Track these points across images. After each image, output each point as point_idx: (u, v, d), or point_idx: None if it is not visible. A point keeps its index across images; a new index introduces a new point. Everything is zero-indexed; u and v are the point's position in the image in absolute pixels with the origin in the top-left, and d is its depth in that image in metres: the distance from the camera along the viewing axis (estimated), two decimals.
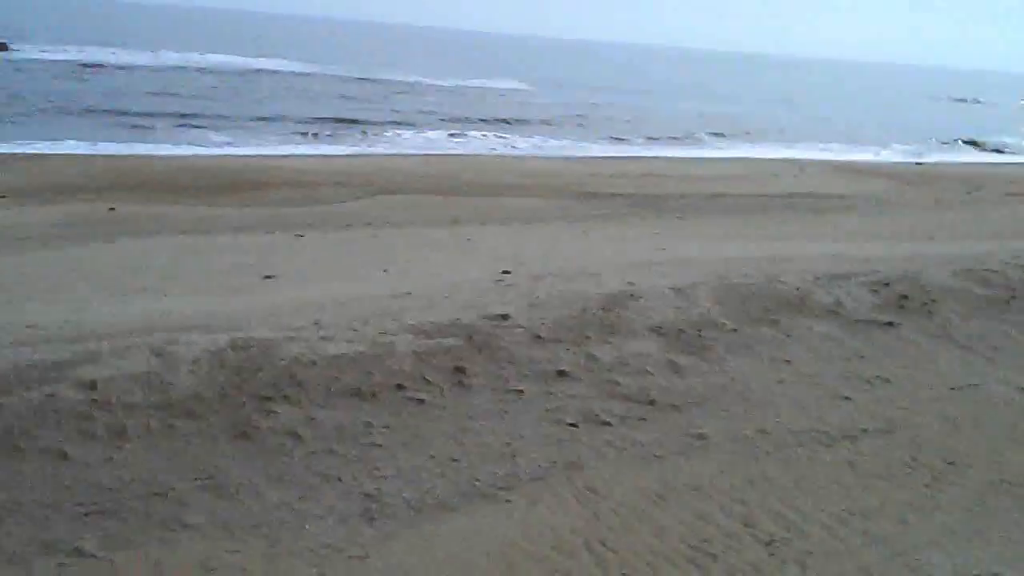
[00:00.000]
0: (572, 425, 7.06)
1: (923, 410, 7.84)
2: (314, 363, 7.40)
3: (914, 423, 7.59)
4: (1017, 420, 7.82)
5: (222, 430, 6.61)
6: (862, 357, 8.81)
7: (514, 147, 35.80)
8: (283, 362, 7.37)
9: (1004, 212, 21.83)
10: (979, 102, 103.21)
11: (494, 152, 33.42)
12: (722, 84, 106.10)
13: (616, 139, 40.46)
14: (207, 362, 7.34)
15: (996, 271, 11.21)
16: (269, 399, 6.98)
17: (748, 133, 47.04)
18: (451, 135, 37.06)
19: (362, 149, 31.76)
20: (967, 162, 39.55)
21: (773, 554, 5.63)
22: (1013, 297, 10.67)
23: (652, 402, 7.48)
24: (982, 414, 7.88)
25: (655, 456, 6.76)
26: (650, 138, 41.44)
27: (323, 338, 7.81)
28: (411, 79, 66.72)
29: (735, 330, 8.95)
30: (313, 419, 6.80)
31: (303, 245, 14.05)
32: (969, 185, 28.09)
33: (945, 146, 45.83)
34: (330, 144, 32.81)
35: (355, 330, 8.04)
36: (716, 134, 44.65)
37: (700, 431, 7.14)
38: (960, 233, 17.35)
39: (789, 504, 6.25)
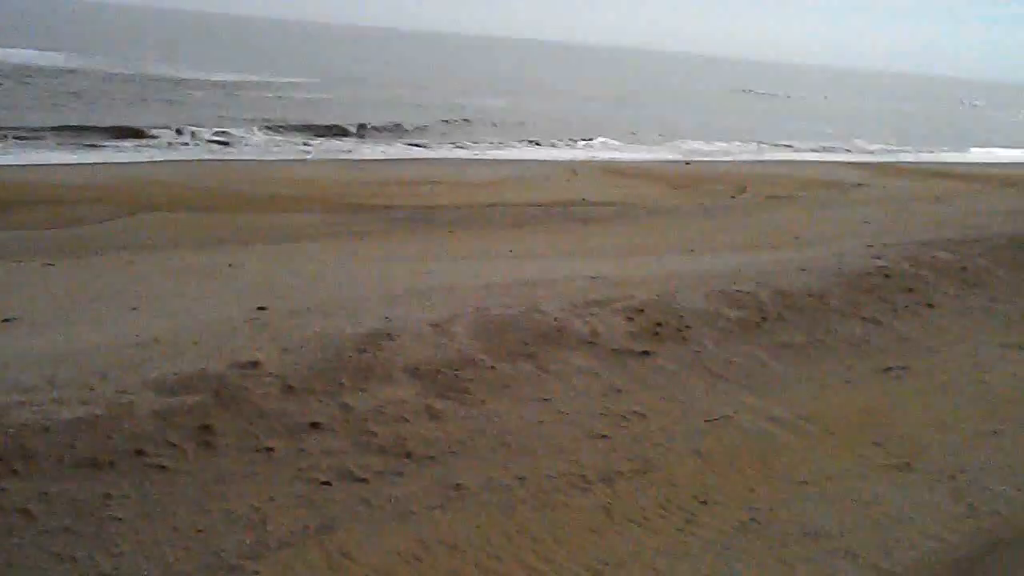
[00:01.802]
0: (325, 483, 6.87)
1: (677, 447, 8.03)
2: (46, 429, 6.93)
3: (668, 461, 7.75)
4: (767, 453, 8.10)
5: None
6: (619, 391, 8.94)
7: (287, 150, 34.95)
8: (11, 431, 6.87)
9: (763, 217, 22.75)
10: (775, 95, 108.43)
11: (267, 159, 32.46)
12: (507, 74, 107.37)
13: (395, 138, 40.17)
14: None
15: (748, 292, 11.61)
16: None
17: (522, 124, 47.74)
18: (219, 139, 35.76)
19: (128, 156, 30.33)
20: (737, 160, 41.11)
21: None
22: (764, 319, 11.07)
23: (409, 454, 7.36)
24: (734, 448, 8.13)
25: (411, 512, 6.66)
26: (427, 135, 41.49)
27: (56, 400, 7.33)
28: (184, 75, 64.35)
29: (493, 367, 8.91)
30: (45, 493, 6.36)
31: (51, 277, 13.24)
32: (734, 188, 29.18)
33: (725, 145, 47.25)
34: (93, 151, 31.14)
35: (92, 388, 7.58)
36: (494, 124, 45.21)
37: (458, 482, 7.08)
38: (719, 243, 17.97)
39: (544, 556, 6.26)
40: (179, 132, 35.81)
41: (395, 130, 42.09)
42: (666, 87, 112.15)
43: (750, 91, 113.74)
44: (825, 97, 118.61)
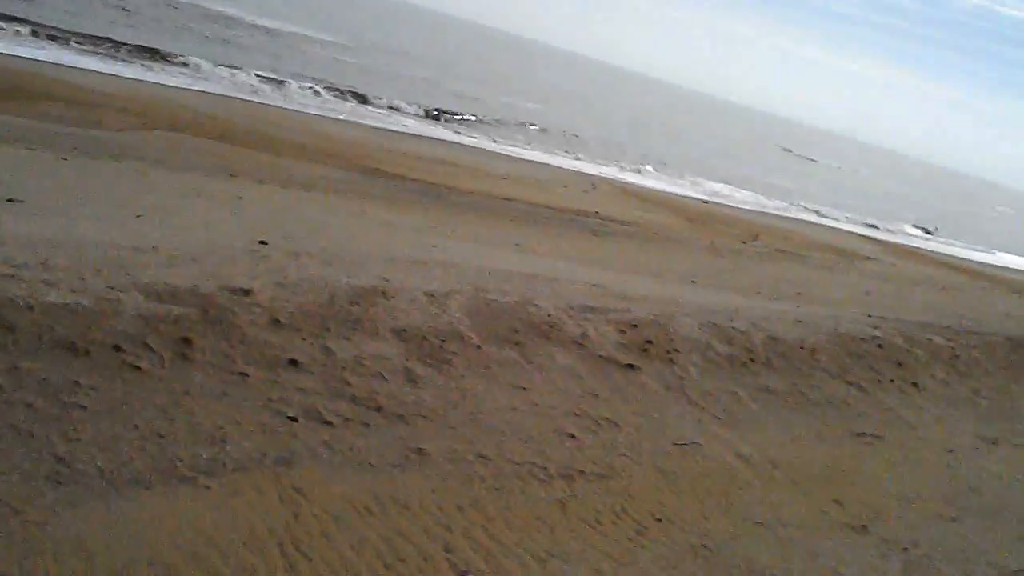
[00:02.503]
0: (292, 419, 6.86)
1: (644, 461, 8.02)
2: (30, 308, 6.91)
3: (631, 473, 7.75)
4: (729, 486, 8.10)
5: None
6: (596, 396, 8.94)
7: (320, 106, 35.05)
8: None
9: (769, 267, 22.74)
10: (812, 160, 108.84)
11: (297, 109, 32.52)
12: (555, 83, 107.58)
13: (424, 116, 40.23)
14: None
15: (742, 331, 11.61)
16: None
17: (546, 131, 47.81)
18: (255, 82, 35.84)
19: (157, 76, 30.39)
20: (754, 210, 41.17)
21: None
22: (752, 360, 11.07)
23: (379, 408, 7.36)
24: (698, 475, 8.13)
25: (370, 465, 6.66)
26: (459, 121, 41.49)
27: (46, 282, 7.31)
28: (229, 11, 64.42)
29: (479, 347, 8.91)
30: (16, 368, 6.36)
31: (63, 171, 13.24)
32: (747, 234, 29.21)
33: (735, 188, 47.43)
34: (125, 64, 31.22)
35: (83, 279, 7.56)
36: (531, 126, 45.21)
37: (421, 446, 7.07)
38: (723, 282, 17.95)
39: (493, 536, 6.26)
40: (218, 66, 35.80)
41: (425, 113, 42.06)
42: (707, 129, 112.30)
43: (790, 151, 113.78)
44: (856, 171, 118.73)
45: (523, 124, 48.36)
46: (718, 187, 46.15)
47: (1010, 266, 49.32)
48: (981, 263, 45.51)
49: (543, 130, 48.61)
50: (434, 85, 56.07)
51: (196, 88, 30.10)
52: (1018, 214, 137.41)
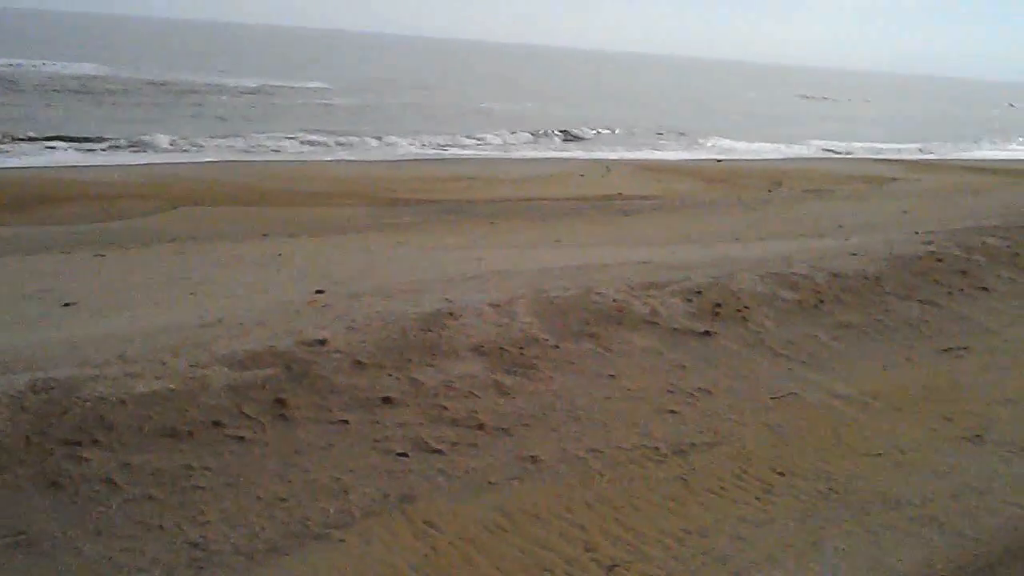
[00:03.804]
0: (402, 455, 6.86)
1: (747, 421, 7.99)
2: (123, 402, 6.94)
3: (739, 435, 7.71)
4: (837, 427, 8.05)
5: (30, 481, 6.13)
6: (683, 368, 8.91)
7: (318, 151, 35.15)
8: (89, 403, 6.89)
9: (803, 210, 22.71)
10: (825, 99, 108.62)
11: (299, 158, 32.68)
12: (529, 80, 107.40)
13: (420, 139, 40.20)
14: (7, 407, 6.79)
15: (804, 275, 11.55)
16: (78, 444, 6.50)
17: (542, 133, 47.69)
18: (253, 141, 36.01)
19: (162, 158, 30.55)
20: (766, 159, 41.02)
21: None
22: (821, 302, 11.01)
23: (481, 426, 7.35)
24: (804, 422, 8.08)
25: (489, 483, 6.64)
26: (454, 136, 41.45)
27: (130, 374, 7.34)
28: (209, 80, 64.88)
29: (557, 346, 8.90)
30: (127, 464, 6.38)
31: (103, 266, 13.34)
32: (770, 183, 29.13)
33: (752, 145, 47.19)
34: (128, 152, 31.43)
35: (164, 364, 7.59)
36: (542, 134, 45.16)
37: (532, 454, 7.05)
38: (765, 233, 17.92)
39: (627, 526, 6.24)
40: (211, 137, 35.98)
41: (415, 133, 41.99)
42: (727, 94, 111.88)
43: (808, 97, 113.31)
44: (867, 100, 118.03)
45: (513, 120, 48.28)
46: (735, 145, 45.97)
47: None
48: (1006, 160, 45.18)
49: (542, 131, 48.35)
50: (413, 105, 56.14)
51: (201, 160, 30.23)
52: None
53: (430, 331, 8.75)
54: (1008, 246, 14.38)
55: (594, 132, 48.04)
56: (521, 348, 8.73)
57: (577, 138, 44.99)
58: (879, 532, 6.35)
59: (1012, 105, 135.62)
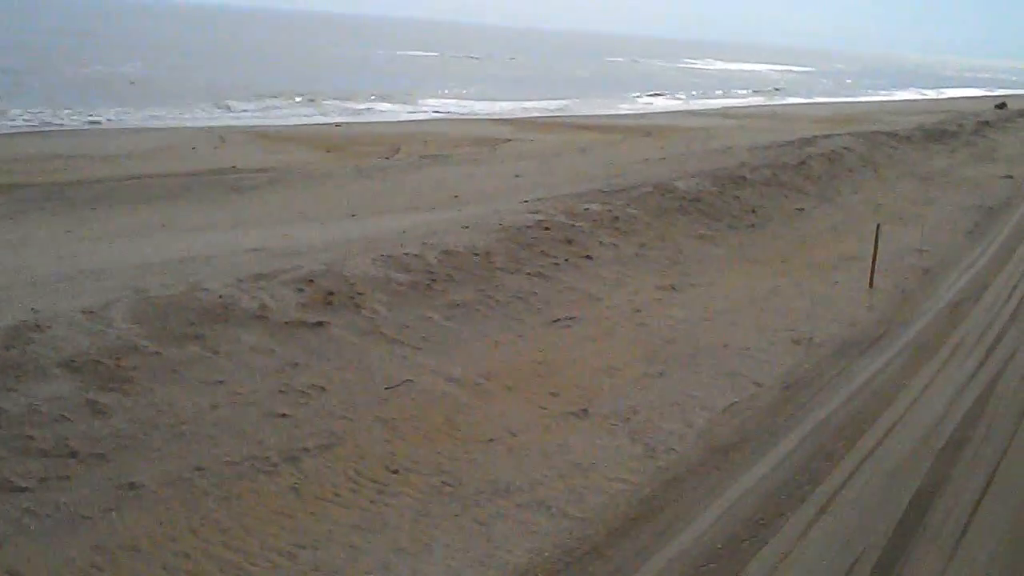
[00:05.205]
0: None
1: (362, 416, 7.86)
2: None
3: (354, 433, 7.58)
4: (451, 414, 8.10)
5: None
6: (296, 365, 8.63)
7: None
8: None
9: (420, 177, 22.79)
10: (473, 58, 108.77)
11: None
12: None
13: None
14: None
15: (416, 254, 11.52)
16: None
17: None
18: None
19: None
20: (389, 120, 41.07)
21: None
22: (433, 281, 11.05)
23: (74, 454, 6.73)
24: (419, 412, 8.07)
25: (83, 517, 6.11)
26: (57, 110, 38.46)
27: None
28: None
29: (158, 353, 8.30)
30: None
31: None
32: (388, 149, 29.10)
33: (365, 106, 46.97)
34: None
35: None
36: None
37: (132, 480, 6.55)
38: (381, 206, 17.87)
39: (235, 547, 5.95)
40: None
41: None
42: (348, 53, 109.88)
43: (458, 57, 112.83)
44: (512, 58, 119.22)
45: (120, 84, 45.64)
46: (357, 107, 45.74)
47: (628, 112, 52.20)
48: (608, 116, 47.90)
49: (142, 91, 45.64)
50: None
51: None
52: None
53: (12, 348, 7.90)
54: (609, 210, 15.08)
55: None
56: (118, 359, 8.07)
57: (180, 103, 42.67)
58: (490, 523, 6.42)
59: (636, 61, 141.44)
